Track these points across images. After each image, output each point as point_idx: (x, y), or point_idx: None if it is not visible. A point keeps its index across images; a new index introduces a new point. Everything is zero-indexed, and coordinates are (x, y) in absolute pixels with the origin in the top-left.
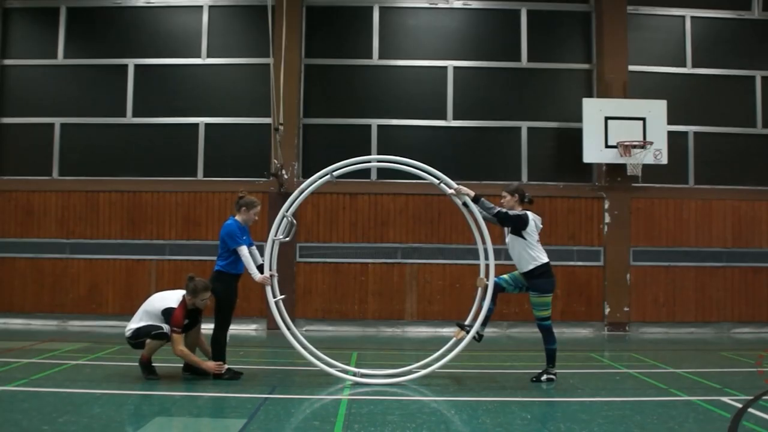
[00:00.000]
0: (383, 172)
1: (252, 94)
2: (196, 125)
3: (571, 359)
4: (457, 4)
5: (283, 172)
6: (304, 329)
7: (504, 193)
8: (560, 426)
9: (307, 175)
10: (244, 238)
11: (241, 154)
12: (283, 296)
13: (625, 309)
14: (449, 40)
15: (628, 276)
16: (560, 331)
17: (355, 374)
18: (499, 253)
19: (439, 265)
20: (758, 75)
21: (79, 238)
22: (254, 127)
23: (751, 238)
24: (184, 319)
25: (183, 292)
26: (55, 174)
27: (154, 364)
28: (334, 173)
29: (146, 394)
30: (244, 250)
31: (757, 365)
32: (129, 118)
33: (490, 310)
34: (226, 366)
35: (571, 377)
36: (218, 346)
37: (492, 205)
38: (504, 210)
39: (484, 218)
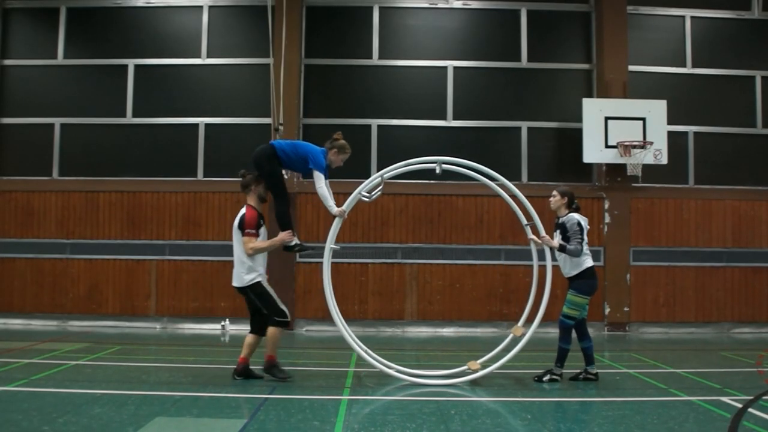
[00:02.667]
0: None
1: (252, 94)
2: (196, 125)
3: (571, 359)
4: (457, 4)
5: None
6: (304, 329)
7: (554, 193)
8: (560, 426)
9: (307, 175)
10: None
11: (241, 154)
12: (338, 246)
13: (625, 309)
14: (449, 40)
15: (628, 276)
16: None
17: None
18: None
19: (439, 265)
20: (758, 75)
21: (79, 239)
22: (254, 127)
23: (751, 238)
24: (258, 219)
25: (242, 211)
26: (55, 174)
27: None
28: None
29: (146, 395)
30: (323, 181)
31: (757, 365)
32: (129, 118)
33: (589, 348)
34: (296, 240)
35: (571, 377)
36: (284, 218)
37: (572, 247)
38: (573, 246)
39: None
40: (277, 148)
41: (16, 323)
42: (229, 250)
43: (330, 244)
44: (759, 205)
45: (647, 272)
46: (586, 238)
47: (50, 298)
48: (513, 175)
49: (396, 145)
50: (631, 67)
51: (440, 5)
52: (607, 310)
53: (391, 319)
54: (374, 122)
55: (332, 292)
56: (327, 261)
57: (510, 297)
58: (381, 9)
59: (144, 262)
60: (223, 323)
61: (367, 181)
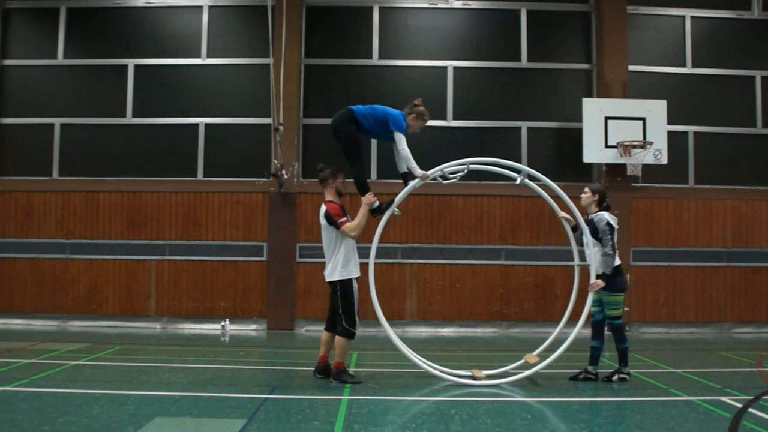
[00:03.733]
0: (382, 172)
1: (252, 94)
2: (196, 125)
3: (571, 359)
4: (457, 4)
5: (283, 172)
6: (304, 329)
7: (586, 189)
8: (560, 426)
9: (307, 175)
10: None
11: (241, 154)
12: (399, 212)
13: (625, 309)
14: (449, 40)
15: (628, 276)
16: (560, 331)
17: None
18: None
19: (439, 265)
20: (758, 75)
21: (79, 239)
22: (254, 127)
23: (751, 238)
24: (341, 209)
25: (324, 208)
26: (55, 174)
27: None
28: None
29: (146, 395)
30: (405, 142)
31: (757, 365)
32: (129, 118)
33: (598, 349)
34: (377, 201)
35: (570, 377)
36: (362, 181)
37: (608, 260)
38: (607, 253)
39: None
40: (356, 111)
41: (16, 323)
42: (228, 251)
43: (394, 207)
44: (759, 205)
45: (647, 272)
46: (616, 237)
47: (50, 298)
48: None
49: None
50: (631, 67)
51: (440, 5)
52: (562, 214)
53: (391, 319)
54: None
55: (375, 291)
56: (372, 261)
57: (510, 297)
58: (381, 9)
59: (144, 262)
60: (223, 323)
61: (453, 163)
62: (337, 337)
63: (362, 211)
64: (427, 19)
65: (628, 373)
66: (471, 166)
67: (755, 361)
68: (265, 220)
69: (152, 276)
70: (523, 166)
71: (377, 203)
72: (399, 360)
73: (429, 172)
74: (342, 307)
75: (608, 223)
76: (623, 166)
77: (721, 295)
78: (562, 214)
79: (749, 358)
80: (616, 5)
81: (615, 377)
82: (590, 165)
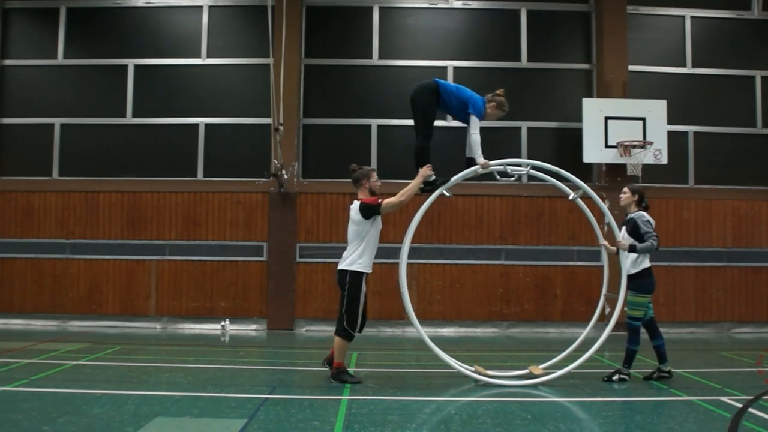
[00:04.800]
0: (382, 173)
1: (252, 94)
2: (196, 125)
3: (572, 359)
4: (457, 4)
5: (283, 172)
6: (304, 329)
7: (625, 189)
8: (560, 426)
9: (306, 175)
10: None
11: (241, 154)
12: (449, 194)
13: (626, 309)
14: (449, 40)
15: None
16: (560, 332)
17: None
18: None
19: (439, 265)
20: (758, 75)
21: (79, 239)
22: (254, 127)
23: (751, 238)
24: (376, 199)
25: (356, 203)
26: (55, 174)
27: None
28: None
29: (146, 395)
30: (479, 128)
31: (757, 365)
32: (129, 118)
33: (661, 346)
34: (434, 175)
35: (571, 377)
36: (425, 153)
37: (646, 244)
38: (648, 243)
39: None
40: (441, 85)
41: (16, 323)
42: (228, 251)
43: (444, 189)
44: (759, 205)
45: None
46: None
47: (50, 298)
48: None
49: (396, 145)
50: (631, 67)
51: (440, 5)
52: (608, 310)
53: (391, 319)
54: (374, 122)
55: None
56: (403, 261)
57: (510, 297)
58: (381, 9)
59: (144, 262)
60: (223, 323)
61: (517, 160)
62: (337, 340)
63: (414, 182)
64: (426, 19)
65: (628, 374)
66: (531, 171)
67: (755, 361)
68: (265, 220)
69: (152, 276)
70: (582, 183)
71: (433, 177)
72: (399, 360)
73: (491, 163)
74: (346, 305)
75: (649, 221)
76: (623, 166)
77: (721, 295)
78: (603, 242)
79: (749, 358)
80: (616, 5)
81: (615, 377)
82: (590, 165)
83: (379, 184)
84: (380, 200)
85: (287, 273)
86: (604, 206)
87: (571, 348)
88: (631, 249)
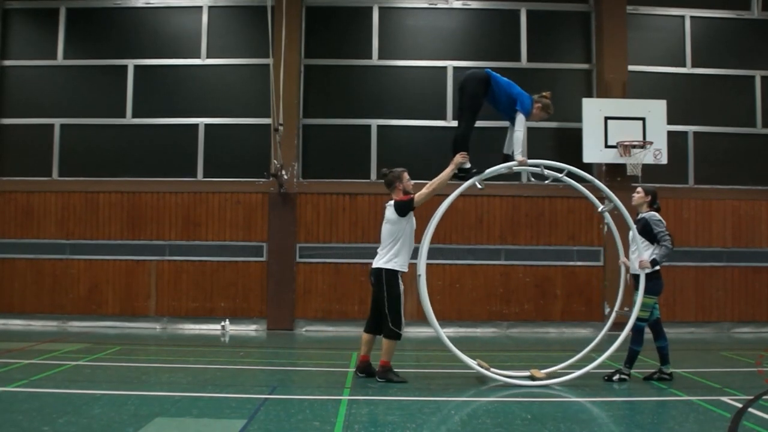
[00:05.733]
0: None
1: (252, 94)
2: (196, 125)
3: (570, 361)
4: (457, 4)
5: (283, 172)
6: (304, 329)
7: (639, 189)
8: (560, 426)
9: (306, 175)
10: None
11: (241, 154)
12: (481, 186)
13: (626, 309)
14: (449, 40)
15: (628, 276)
16: (560, 331)
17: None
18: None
19: (439, 265)
20: (758, 75)
21: (79, 239)
22: (254, 128)
23: (751, 238)
24: (409, 195)
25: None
26: (55, 174)
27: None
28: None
29: (146, 395)
30: (524, 126)
31: (756, 365)
32: (129, 119)
33: (664, 347)
34: (468, 163)
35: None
36: (464, 140)
37: (663, 252)
38: (664, 251)
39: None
40: (492, 77)
41: (16, 324)
42: (228, 251)
43: (477, 181)
44: (759, 205)
45: None
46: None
47: (50, 298)
48: (514, 175)
49: (396, 145)
50: (631, 67)
51: (440, 5)
52: (607, 310)
53: None
54: (374, 122)
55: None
56: (423, 258)
57: (510, 297)
58: (381, 9)
59: (144, 263)
60: (223, 323)
61: (554, 163)
62: (385, 341)
63: (447, 169)
64: (426, 19)
65: (629, 374)
66: (565, 177)
67: (755, 361)
68: (265, 221)
69: (152, 276)
70: (614, 196)
71: (468, 165)
72: (399, 360)
73: (529, 161)
74: (388, 304)
75: (660, 220)
76: (623, 166)
77: (721, 295)
78: (623, 259)
79: (749, 358)
80: (616, 5)
81: (616, 377)
82: (590, 165)
83: (412, 183)
84: (412, 195)
85: (287, 273)
86: (631, 221)
87: (587, 349)
88: (653, 264)
